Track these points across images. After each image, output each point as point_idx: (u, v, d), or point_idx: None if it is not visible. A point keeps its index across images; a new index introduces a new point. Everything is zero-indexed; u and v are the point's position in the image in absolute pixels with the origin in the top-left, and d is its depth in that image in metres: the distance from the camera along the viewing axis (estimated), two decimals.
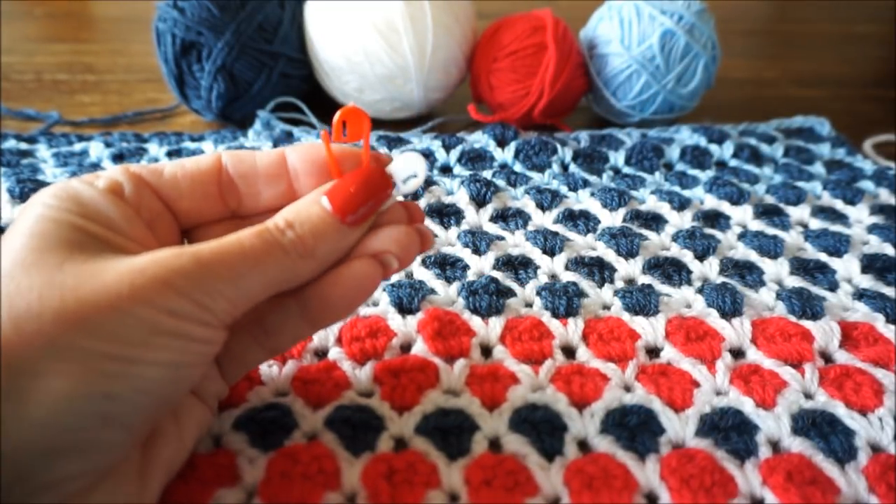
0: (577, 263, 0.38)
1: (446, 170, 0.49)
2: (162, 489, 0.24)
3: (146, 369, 0.20)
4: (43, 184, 0.45)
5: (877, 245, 0.41)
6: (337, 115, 0.25)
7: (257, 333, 0.26)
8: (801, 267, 0.39)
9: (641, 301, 0.35)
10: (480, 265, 0.38)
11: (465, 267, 0.38)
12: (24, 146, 0.51)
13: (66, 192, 0.23)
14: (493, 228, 0.42)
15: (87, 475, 0.20)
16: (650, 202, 0.45)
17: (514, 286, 0.37)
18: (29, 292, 0.19)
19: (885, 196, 0.47)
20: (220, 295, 0.21)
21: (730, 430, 0.29)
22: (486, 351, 0.33)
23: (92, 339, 0.19)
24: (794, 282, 0.38)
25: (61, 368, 0.19)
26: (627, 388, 0.31)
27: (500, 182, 0.46)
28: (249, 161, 0.27)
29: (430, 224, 0.42)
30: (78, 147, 0.51)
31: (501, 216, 0.43)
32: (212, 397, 0.27)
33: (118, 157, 0.49)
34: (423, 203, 0.43)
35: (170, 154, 0.50)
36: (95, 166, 0.48)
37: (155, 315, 0.20)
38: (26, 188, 0.44)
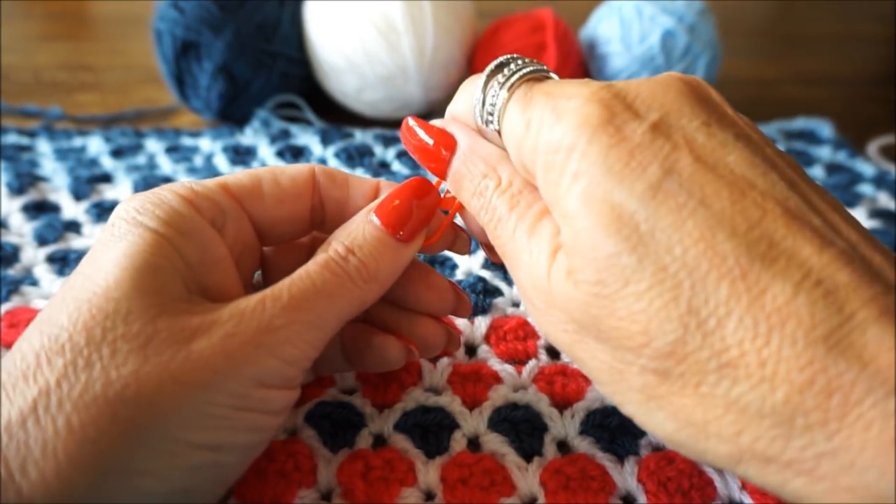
0: None
1: None
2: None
3: (227, 456, 0.20)
4: (42, 179, 0.46)
5: None
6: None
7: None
8: None
9: None
10: (469, 264, 0.38)
11: (454, 266, 0.38)
12: (24, 141, 0.51)
13: (168, 214, 0.22)
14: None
15: None
16: None
17: (502, 286, 0.37)
18: (129, 368, 0.18)
19: (884, 200, 0.46)
20: (306, 341, 0.21)
21: None
22: (471, 350, 0.33)
23: (184, 427, 0.18)
24: None
25: (150, 466, 0.17)
26: None
27: None
28: (343, 184, 0.26)
29: None
30: (78, 143, 0.51)
31: None
32: None
33: (117, 153, 0.50)
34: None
35: (168, 150, 0.51)
36: (94, 162, 0.49)
37: (244, 388, 0.19)
38: (25, 182, 0.45)
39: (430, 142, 0.24)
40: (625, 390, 0.19)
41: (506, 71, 0.22)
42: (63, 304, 0.19)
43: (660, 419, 0.19)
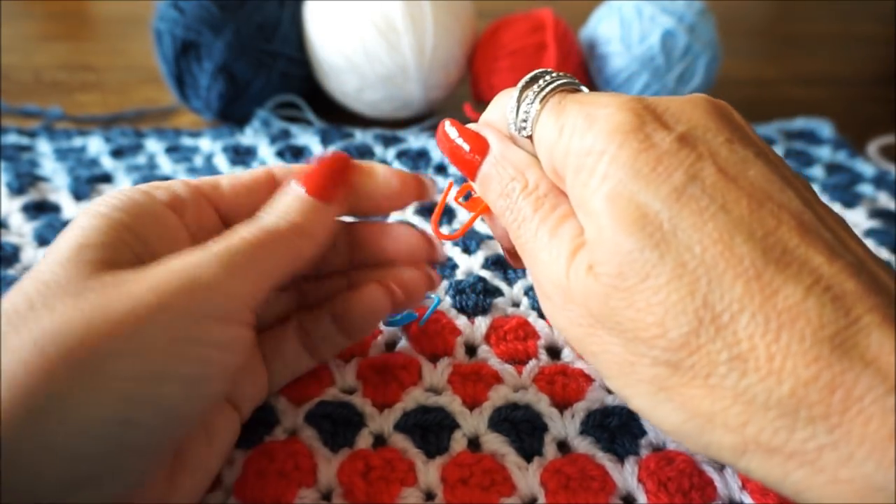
0: None
1: (441, 169, 0.49)
2: (198, 493, 0.24)
3: (168, 387, 0.20)
4: (42, 179, 0.46)
5: (873, 249, 0.41)
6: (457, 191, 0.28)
7: (307, 342, 0.29)
8: None
9: None
10: (469, 264, 0.38)
11: (454, 266, 0.38)
12: (24, 141, 0.51)
13: (122, 201, 0.23)
14: (485, 228, 0.42)
15: (117, 498, 0.20)
16: None
17: (503, 285, 0.37)
18: (58, 314, 0.19)
19: (884, 200, 0.46)
20: (240, 279, 0.22)
21: None
22: (471, 350, 0.33)
23: (116, 357, 0.19)
24: None
25: (82, 396, 0.18)
26: (610, 390, 0.30)
27: None
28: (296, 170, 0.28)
29: (422, 222, 0.42)
30: (78, 143, 0.51)
31: None
32: (248, 403, 0.27)
33: (117, 153, 0.50)
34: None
35: (168, 150, 0.51)
36: (94, 162, 0.49)
37: (178, 320, 0.20)
38: (25, 182, 0.45)
39: (465, 145, 0.25)
40: (635, 382, 0.20)
41: (540, 82, 0.23)
42: (16, 284, 0.21)
43: (667, 410, 0.19)
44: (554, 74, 0.24)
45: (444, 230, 0.42)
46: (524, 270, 0.38)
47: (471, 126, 0.26)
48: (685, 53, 0.53)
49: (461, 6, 0.56)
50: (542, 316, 0.34)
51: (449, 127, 0.26)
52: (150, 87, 0.63)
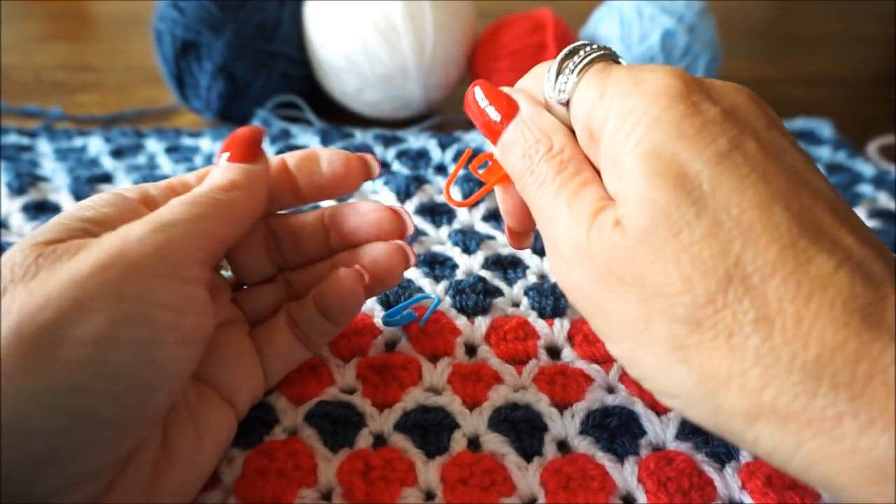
0: None
1: (441, 168, 0.49)
2: (188, 490, 0.24)
3: (114, 351, 0.19)
4: (42, 179, 0.46)
5: None
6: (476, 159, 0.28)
7: (297, 333, 0.29)
8: None
9: None
10: (469, 264, 0.38)
11: (454, 266, 0.38)
12: (24, 141, 0.51)
13: (92, 199, 0.24)
14: (485, 228, 0.42)
15: (86, 480, 0.19)
16: None
17: (502, 286, 0.37)
18: (5, 293, 0.19)
19: (884, 200, 0.46)
20: (176, 234, 0.22)
21: (711, 433, 0.28)
22: (471, 350, 0.33)
23: (57, 323, 0.19)
24: None
25: (27, 365, 0.18)
26: (610, 390, 0.30)
27: None
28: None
29: (422, 222, 0.42)
30: (78, 143, 0.51)
31: (494, 216, 0.43)
32: (243, 398, 0.27)
33: (117, 153, 0.50)
34: (415, 201, 0.43)
35: (168, 151, 0.51)
36: (94, 162, 0.49)
37: (120, 278, 0.20)
38: (25, 182, 0.45)
39: (491, 108, 0.25)
40: (648, 342, 0.20)
41: (581, 53, 0.24)
42: None
43: (680, 372, 0.19)
44: (595, 45, 0.24)
45: (444, 230, 0.42)
46: (524, 270, 0.38)
47: (503, 89, 0.26)
48: (685, 53, 0.53)
49: (461, 6, 0.56)
50: (542, 316, 0.34)
51: (478, 90, 0.26)
52: (150, 87, 0.63)
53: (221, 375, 0.26)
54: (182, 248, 0.22)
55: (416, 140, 0.52)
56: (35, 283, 0.19)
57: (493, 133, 0.25)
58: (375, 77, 0.54)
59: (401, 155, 0.49)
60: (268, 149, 0.50)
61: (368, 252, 0.29)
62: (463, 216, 0.43)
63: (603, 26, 0.56)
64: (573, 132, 0.24)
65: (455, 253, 0.39)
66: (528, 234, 0.30)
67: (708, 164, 0.19)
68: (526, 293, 0.36)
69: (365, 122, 0.57)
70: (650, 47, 0.53)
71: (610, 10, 0.56)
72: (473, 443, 0.28)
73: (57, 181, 0.46)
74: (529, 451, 0.27)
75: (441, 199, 0.44)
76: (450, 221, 0.42)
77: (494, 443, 0.28)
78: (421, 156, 0.49)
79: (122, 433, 0.20)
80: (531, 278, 0.37)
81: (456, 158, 0.49)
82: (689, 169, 0.19)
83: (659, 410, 0.29)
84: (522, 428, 0.28)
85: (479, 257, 0.38)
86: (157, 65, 0.54)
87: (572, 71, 0.23)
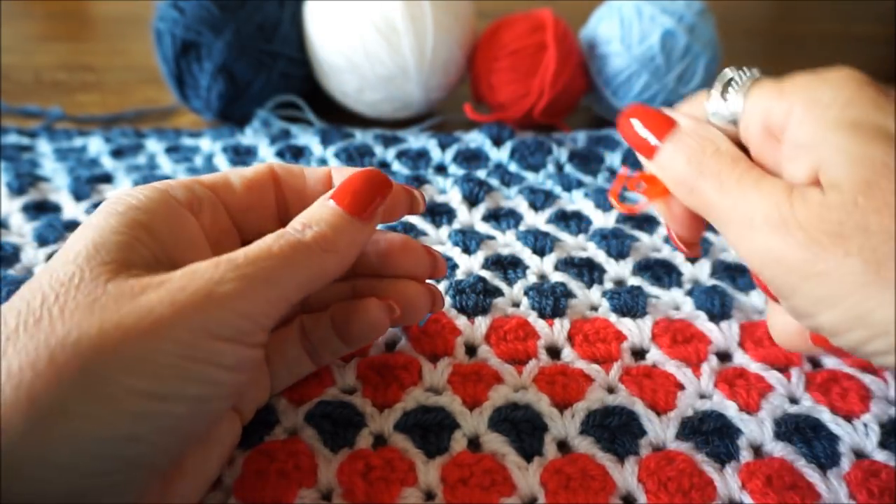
0: (566, 264, 0.38)
1: (441, 169, 0.49)
2: (195, 497, 0.24)
3: (175, 406, 0.19)
4: (42, 179, 0.46)
5: None
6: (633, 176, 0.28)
7: (307, 346, 0.29)
8: None
9: (629, 302, 0.35)
10: (469, 264, 0.38)
11: (454, 266, 0.38)
12: (25, 141, 0.51)
13: (140, 200, 0.23)
14: (485, 228, 0.42)
15: None
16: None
17: (503, 286, 0.37)
18: (72, 318, 0.18)
19: None
20: (259, 298, 0.21)
21: (711, 433, 0.28)
22: (471, 350, 0.33)
23: (127, 372, 0.18)
24: None
25: (89, 409, 0.18)
26: (611, 390, 0.30)
27: (494, 182, 0.46)
28: (299, 174, 0.28)
29: (422, 222, 0.42)
30: (78, 143, 0.51)
31: (494, 216, 0.43)
32: (250, 406, 0.27)
33: (117, 153, 0.50)
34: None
35: (168, 151, 0.51)
36: (94, 162, 0.49)
37: (193, 338, 0.19)
38: (25, 182, 0.45)
39: (644, 127, 0.26)
40: (882, 289, 0.20)
41: (744, 71, 0.25)
42: (31, 280, 0.21)
43: None
44: (753, 68, 0.26)
45: (444, 230, 0.42)
46: (524, 270, 0.38)
47: (661, 109, 0.27)
48: (685, 53, 0.53)
49: (461, 6, 0.56)
50: (542, 316, 0.34)
51: (633, 118, 0.27)
52: (150, 87, 0.63)
53: None
54: (258, 317, 0.21)
55: (416, 140, 0.52)
56: (103, 314, 0.19)
57: (651, 150, 0.26)
58: (375, 77, 0.54)
59: (401, 155, 0.49)
60: (267, 149, 0.50)
61: (402, 290, 0.29)
62: (463, 216, 0.43)
63: (603, 26, 0.56)
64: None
65: (455, 253, 0.39)
66: (697, 240, 0.30)
67: None
68: (526, 293, 0.36)
69: (365, 122, 0.57)
70: (650, 47, 0.53)
71: (610, 10, 0.56)
72: (473, 443, 0.28)
73: (57, 181, 0.46)
74: (529, 451, 0.28)
75: (441, 198, 0.44)
76: (450, 221, 0.42)
77: (494, 443, 0.28)
78: (421, 156, 0.49)
79: (157, 474, 0.21)
80: (531, 278, 0.37)
81: (455, 158, 0.49)
82: None
83: (659, 410, 0.29)
84: (522, 428, 0.28)
85: (479, 257, 0.38)
86: (157, 65, 0.54)
87: (741, 85, 0.25)
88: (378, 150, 0.50)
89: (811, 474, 0.26)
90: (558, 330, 0.33)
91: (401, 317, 0.28)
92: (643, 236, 0.41)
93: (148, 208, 0.23)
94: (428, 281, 0.31)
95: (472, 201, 0.44)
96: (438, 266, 0.30)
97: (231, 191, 0.27)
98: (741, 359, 0.32)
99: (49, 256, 0.39)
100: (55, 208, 0.43)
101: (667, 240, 0.41)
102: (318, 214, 0.24)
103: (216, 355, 0.20)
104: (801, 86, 0.23)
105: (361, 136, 0.53)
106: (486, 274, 0.37)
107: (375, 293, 0.28)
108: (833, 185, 0.21)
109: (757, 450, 0.28)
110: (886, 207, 0.20)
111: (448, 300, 0.35)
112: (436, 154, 0.49)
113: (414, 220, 0.42)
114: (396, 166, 0.49)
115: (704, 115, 0.26)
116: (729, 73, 0.26)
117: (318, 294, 0.30)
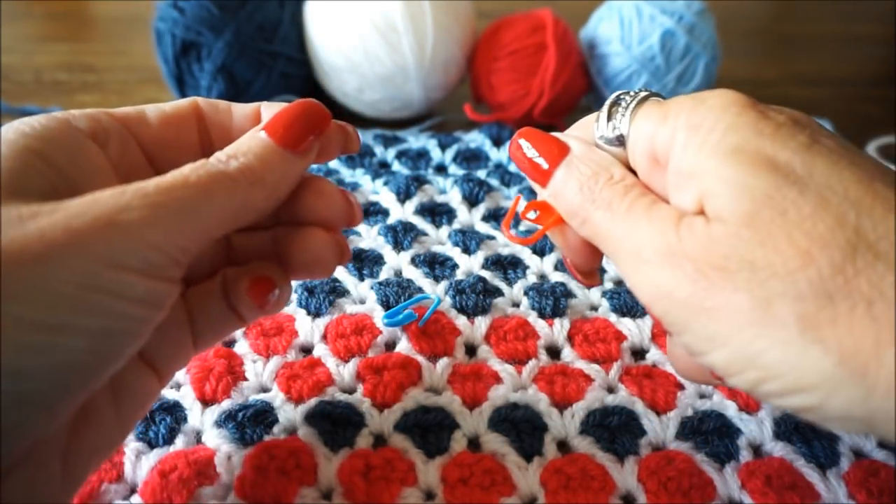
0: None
1: (441, 169, 0.49)
2: (88, 475, 0.22)
3: (72, 339, 0.18)
4: None
5: None
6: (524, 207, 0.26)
7: (231, 301, 0.26)
8: None
9: (629, 302, 0.35)
10: (469, 264, 0.38)
11: (454, 266, 0.38)
12: None
13: (34, 128, 0.21)
14: (485, 228, 0.42)
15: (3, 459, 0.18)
16: None
17: (502, 286, 0.37)
18: None
19: None
20: (171, 228, 0.20)
21: (711, 433, 0.28)
22: (471, 350, 0.33)
23: (14, 300, 0.17)
24: None
25: None
26: (610, 390, 0.30)
27: (494, 182, 0.46)
28: (226, 110, 0.26)
29: (422, 222, 0.42)
30: None
31: (493, 216, 0.43)
32: (167, 364, 0.25)
33: None
34: (415, 201, 0.43)
35: None
36: None
37: (92, 266, 0.18)
38: None
39: (536, 154, 0.25)
40: (770, 329, 0.18)
41: (630, 94, 0.24)
42: None
43: (816, 355, 0.18)
44: (641, 89, 0.25)
45: (444, 230, 0.42)
46: (524, 270, 0.38)
47: (553, 134, 0.26)
48: (685, 53, 0.53)
49: (461, 6, 0.56)
50: (542, 316, 0.34)
51: (523, 141, 0.26)
52: (150, 87, 0.63)
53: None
54: (170, 249, 0.20)
55: (416, 140, 0.52)
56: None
57: (544, 176, 0.25)
58: (375, 77, 0.54)
59: (401, 155, 0.50)
60: None
61: (306, 240, 0.26)
62: (463, 216, 0.43)
63: (603, 26, 0.56)
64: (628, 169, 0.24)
65: (455, 253, 0.39)
66: (595, 269, 0.28)
67: (797, 152, 0.20)
68: (526, 293, 0.36)
69: (365, 122, 0.57)
70: (650, 47, 0.53)
71: (610, 10, 0.56)
72: (473, 443, 0.28)
73: None
74: (529, 450, 0.28)
75: (441, 199, 0.44)
76: (450, 221, 0.42)
77: (494, 443, 0.28)
78: (421, 156, 0.50)
79: (54, 416, 0.19)
80: (531, 278, 0.37)
81: (455, 158, 0.49)
82: (779, 158, 0.20)
83: (659, 410, 0.29)
84: (522, 428, 0.28)
85: (479, 257, 0.39)
86: (158, 65, 0.54)
87: (626, 108, 0.24)
88: (378, 150, 0.50)
89: (810, 474, 0.27)
90: (558, 330, 0.33)
91: (304, 271, 0.26)
92: None
93: (42, 136, 0.21)
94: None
95: (472, 201, 0.44)
96: (355, 213, 0.27)
97: (145, 124, 0.25)
98: None
99: None
100: None
101: None
102: (246, 146, 0.23)
103: (120, 286, 0.19)
104: (683, 109, 0.22)
105: (361, 136, 0.52)
106: (486, 274, 0.37)
107: (275, 242, 0.26)
108: (717, 217, 0.20)
109: (756, 449, 0.28)
110: (770, 240, 0.19)
111: (448, 300, 0.35)
112: (436, 154, 0.49)
113: (414, 219, 0.42)
114: (396, 166, 0.49)
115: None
116: (615, 97, 0.25)
117: (241, 241, 0.27)
